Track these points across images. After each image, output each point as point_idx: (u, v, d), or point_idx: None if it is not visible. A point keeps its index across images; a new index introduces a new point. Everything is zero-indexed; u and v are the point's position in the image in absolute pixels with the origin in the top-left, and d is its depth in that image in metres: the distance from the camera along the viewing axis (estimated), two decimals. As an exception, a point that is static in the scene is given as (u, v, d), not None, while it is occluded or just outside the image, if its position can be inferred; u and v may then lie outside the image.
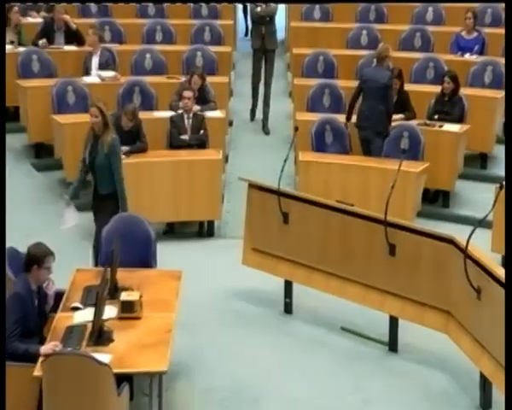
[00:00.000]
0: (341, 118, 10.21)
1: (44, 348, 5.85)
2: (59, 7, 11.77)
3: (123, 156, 9.20)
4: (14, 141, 11.31)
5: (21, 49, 11.42)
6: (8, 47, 11.41)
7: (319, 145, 9.96)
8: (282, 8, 13.12)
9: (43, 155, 10.83)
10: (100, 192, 7.32)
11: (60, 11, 11.74)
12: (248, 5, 15.41)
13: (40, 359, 5.74)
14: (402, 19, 13.05)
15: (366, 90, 9.94)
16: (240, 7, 15.53)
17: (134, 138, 9.49)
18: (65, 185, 10.17)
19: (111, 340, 6.03)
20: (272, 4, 11.73)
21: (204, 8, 13.47)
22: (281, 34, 13.40)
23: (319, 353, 7.50)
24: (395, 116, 10.07)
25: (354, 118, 10.06)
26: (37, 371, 5.68)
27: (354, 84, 11.04)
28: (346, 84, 11.06)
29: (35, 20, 12.18)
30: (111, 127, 7.67)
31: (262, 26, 11.68)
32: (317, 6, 13.35)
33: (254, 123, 11.93)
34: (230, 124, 11.59)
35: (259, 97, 12.10)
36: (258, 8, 11.65)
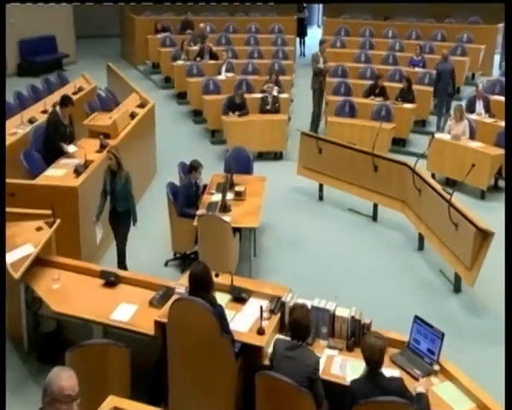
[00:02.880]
0: (355, 99, 9.49)
1: (198, 212, 5.76)
2: (207, 41, 11.46)
3: (236, 117, 8.92)
4: (184, 108, 10.95)
5: (188, 62, 11.04)
6: (182, 62, 11.13)
7: (340, 112, 9.34)
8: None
9: (198, 115, 10.53)
10: (118, 210, 5.62)
11: (207, 43, 11.42)
12: (305, 43, 14.70)
13: (196, 217, 5.65)
14: (382, 48, 12.17)
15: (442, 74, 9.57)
16: (297, 40, 14.44)
17: (241, 107, 9.04)
18: (208, 131, 9.91)
19: (230, 210, 5.88)
20: (328, 63, 10.06)
21: (279, 40, 12.77)
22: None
23: (336, 222, 7.22)
24: (378, 99, 9.44)
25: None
26: (195, 223, 5.62)
27: (359, 82, 10.39)
28: (354, 82, 10.38)
29: (195, 47, 11.76)
30: (122, 165, 5.64)
31: (320, 76, 9.85)
32: (339, 39, 12.55)
33: (306, 102, 10.33)
34: (292, 100, 11.06)
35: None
36: (320, 65, 9.79)
